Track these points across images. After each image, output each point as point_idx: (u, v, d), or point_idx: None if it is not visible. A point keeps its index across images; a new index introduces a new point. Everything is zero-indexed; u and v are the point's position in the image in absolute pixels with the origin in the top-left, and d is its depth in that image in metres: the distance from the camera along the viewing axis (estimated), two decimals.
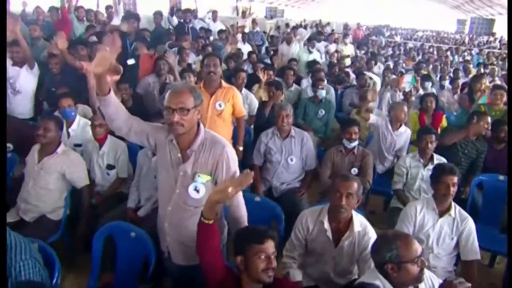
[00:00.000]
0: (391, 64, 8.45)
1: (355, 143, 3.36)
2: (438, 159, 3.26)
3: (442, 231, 2.51)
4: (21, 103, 4.22)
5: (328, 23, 16.09)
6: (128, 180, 3.36)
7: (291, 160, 3.39)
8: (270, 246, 1.74)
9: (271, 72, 5.25)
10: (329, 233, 2.22)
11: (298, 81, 6.01)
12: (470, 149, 3.65)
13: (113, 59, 1.74)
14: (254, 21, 10.80)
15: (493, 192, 3.27)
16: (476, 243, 2.46)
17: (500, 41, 19.19)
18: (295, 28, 10.41)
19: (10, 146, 3.57)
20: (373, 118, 4.10)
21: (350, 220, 2.21)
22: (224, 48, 6.94)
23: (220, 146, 1.86)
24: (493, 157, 3.65)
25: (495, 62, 10.70)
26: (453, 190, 2.49)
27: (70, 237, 3.07)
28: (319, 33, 9.77)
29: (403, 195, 3.26)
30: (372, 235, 2.19)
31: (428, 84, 6.15)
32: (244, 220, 1.98)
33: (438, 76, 7.36)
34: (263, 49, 9.22)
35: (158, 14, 6.11)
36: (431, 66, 8.67)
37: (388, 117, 3.98)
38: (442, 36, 24.80)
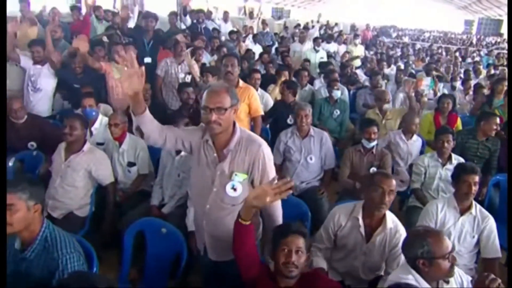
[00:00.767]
0: (402, 65, 8.48)
1: (374, 143, 3.41)
2: (457, 158, 3.30)
3: (463, 229, 2.55)
4: (41, 102, 4.29)
5: (336, 24, 16.10)
6: (150, 177, 3.44)
7: (311, 159, 3.45)
8: (293, 240, 1.76)
9: (286, 73, 5.30)
10: (362, 229, 2.27)
11: (310, 81, 6.07)
12: (482, 150, 3.70)
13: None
14: (264, 22, 10.89)
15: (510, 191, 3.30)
16: (497, 241, 2.50)
17: (508, 42, 19.09)
18: (306, 28, 10.46)
19: (33, 144, 3.66)
20: None
21: (383, 217, 2.25)
22: (235, 49, 7.02)
23: (256, 145, 1.90)
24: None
25: (505, 63, 10.68)
26: (475, 189, 2.53)
27: (95, 233, 3.14)
28: (329, 35, 9.78)
29: (422, 194, 3.30)
30: (402, 232, 2.23)
31: (440, 85, 6.18)
32: (279, 218, 2.03)
33: (449, 77, 7.38)
34: (273, 50, 9.29)
35: (173, 15, 6.19)
36: (443, 67, 8.67)
37: (402, 126, 4.04)
38: (449, 36, 24.74)
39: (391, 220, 2.28)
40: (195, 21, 7.11)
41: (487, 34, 25.23)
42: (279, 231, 1.82)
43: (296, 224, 1.86)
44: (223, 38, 7.67)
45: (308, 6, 34.78)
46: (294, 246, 1.76)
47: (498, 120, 3.68)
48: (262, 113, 3.66)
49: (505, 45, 18.56)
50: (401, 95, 5.52)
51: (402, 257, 2.20)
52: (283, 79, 5.17)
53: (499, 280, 1.62)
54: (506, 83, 5.00)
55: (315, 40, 8.17)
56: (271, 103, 4.65)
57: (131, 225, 2.45)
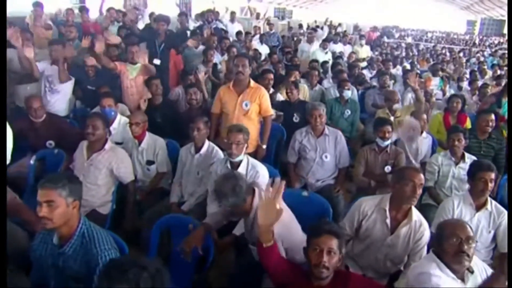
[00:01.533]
0: (408, 65, 8.55)
1: (388, 141, 3.48)
2: (469, 157, 3.36)
3: (479, 225, 2.62)
4: (58, 102, 4.34)
5: (340, 24, 16.17)
6: (168, 175, 3.51)
7: (326, 157, 3.52)
8: (325, 241, 1.77)
9: (297, 73, 5.37)
10: (389, 221, 2.33)
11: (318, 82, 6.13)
12: (486, 149, 3.77)
13: None
14: (269, 23, 10.97)
15: None
16: None
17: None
18: (314, 29, 10.54)
19: (52, 142, 3.72)
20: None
21: (408, 210, 2.32)
22: (242, 49, 7.09)
23: None
24: None
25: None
26: (491, 186, 2.60)
27: (116, 231, 3.20)
28: (336, 34, 9.86)
29: (435, 192, 3.37)
30: (426, 226, 2.32)
31: (447, 86, 6.24)
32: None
33: (456, 77, 7.44)
34: (277, 50, 9.35)
35: (183, 16, 6.27)
36: (449, 68, 8.73)
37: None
38: (452, 37, 24.79)
39: (416, 213, 2.35)
40: (204, 21, 7.18)
41: (489, 34, 25.28)
42: (313, 230, 1.84)
43: (329, 224, 1.89)
44: (230, 39, 7.74)
45: (310, 6, 34.85)
46: (326, 246, 1.77)
47: (493, 116, 3.75)
48: (272, 113, 3.74)
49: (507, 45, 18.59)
50: (409, 95, 5.58)
51: (425, 251, 2.29)
52: (293, 79, 5.24)
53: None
54: None
55: (323, 41, 8.24)
56: None
57: (158, 222, 2.52)
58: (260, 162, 3.05)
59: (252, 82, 3.66)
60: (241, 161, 2.82)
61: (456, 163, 3.36)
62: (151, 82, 4.13)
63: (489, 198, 2.67)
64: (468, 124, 4.57)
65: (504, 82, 6.20)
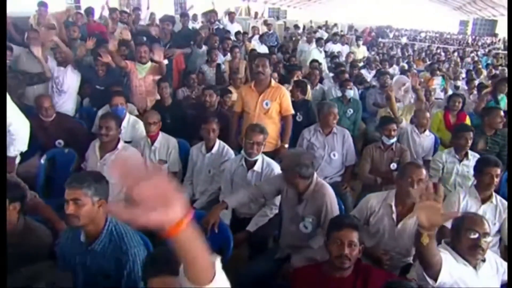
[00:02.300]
0: (405, 65, 8.68)
1: (394, 139, 3.57)
2: (472, 154, 3.46)
3: (485, 217, 2.71)
4: (66, 102, 4.40)
5: (335, 24, 16.31)
6: (178, 175, 3.56)
7: (334, 155, 3.61)
8: (346, 234, 1.84)
9: (299, 72, 5.45)
10: (395, 215, 2.43)
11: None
12: (492, 145, 3.88)
13: None
14: (266, 23, 11.06)
15: None
16: None
17: (504, 42, 19.43)
18: (315, 31, 10.67)
19: (61, 142, 3.75)
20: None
21: (413, 205, 2.38)
22: (241, 49, 7.15)
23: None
24: None
25: (504, 64, 10.93)
26: (496, 180, 2.70)
27: None
28: (334, 34, 9.98)
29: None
30: None
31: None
32: None
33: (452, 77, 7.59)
34: (276, 50, 9.43)
35: (185, 16, 6.32)
36: (445, 68, 8.88)
37: (414, 121, 4.21)
38: (445, 37, 25.07)
39: None
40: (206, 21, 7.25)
41: (482, 34, 25.60)
42: (333, 224, 1.91)
43: (349, 217, 1.97)
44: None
45: (304, 6, 35.04)
46: (347, 239, 1.84)
47: (502, 112, 3.87)
48: (293, 112, 3.78)
49: (501, 45, 18.88)
50: (409, 95, 5.70)
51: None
52: (296, 78, 5.33)
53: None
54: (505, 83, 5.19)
55: (317, 40, 8.35)
56: None
57: None
58: None
59: (273, 82, 3.73)
60: (256, 160, 2.89)
61: (460, 161, 3.45)
62: (159, 84, 4.19)
63: (494, 193, 2.77)
64: (467, 122, 4.68)
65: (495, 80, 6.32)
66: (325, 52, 8.55)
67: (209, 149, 3.29)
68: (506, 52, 15.27)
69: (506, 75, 8.38)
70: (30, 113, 3.92)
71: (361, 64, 8.79)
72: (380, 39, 16.55)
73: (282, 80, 5.61)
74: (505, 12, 25.43)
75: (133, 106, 4.23)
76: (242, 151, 2.99)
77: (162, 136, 3.48)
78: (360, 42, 10.02)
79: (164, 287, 1.30)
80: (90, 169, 3.18)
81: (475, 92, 6.27)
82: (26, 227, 2.15)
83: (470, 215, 1.99)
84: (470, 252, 1.92)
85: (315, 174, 2.56)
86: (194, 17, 8.54)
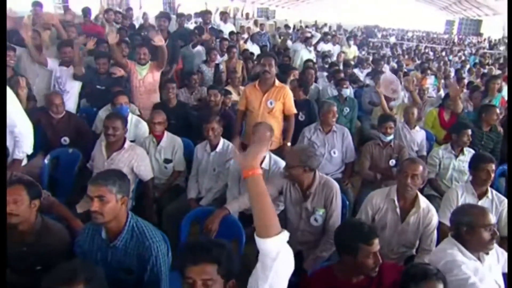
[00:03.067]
0: (395, 65, 8.85)
1: (391, 137, 3.68)
2: (468, 150, 3.60)
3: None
4: (67, 102, 4.34)
5: (325, 24, 16.47)
6: (183, 173, 3.62)
7: (334, 153, 3.71)
8: (376, 243, 1.87)
9: (296, 72, 5.54)
10: (398, 210, 2.54)
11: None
12: (486, 140, 4.03)
13: None
14: (256, 23, 11.14)
15: None
16: None
17: (489, 42, 19.87)
18: (310, 32, 10.76)
19: (66, 139, 3.77)
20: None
21: (415, 199, 2.54)
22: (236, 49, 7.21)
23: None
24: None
25: (490, 63, 11.21)
26: (492, 176, 2.83)
27: None
28: (325, 34, 10.10)
29: (437, 183, 3.59)
30: (434, 213, 2.54)
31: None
32: None
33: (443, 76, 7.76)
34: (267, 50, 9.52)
35: (182, 17, 6.36)
36: (435, 67, 9.07)
37: (404, 118, 4.35)
38: (432, 36, 25.48)
39: (424, 201, 2.57)
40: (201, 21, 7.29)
41: (467, 34, 26.07)
42: (362, 237, 1.88)
43: (374, 227, 2.02)
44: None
45: (292, 6, 35.20)
46: (378, 248, 1.89)
47: (498, 110, 4.04)
48: (296, 111, 3.87)
49: (486, 44, 19.29)
50: (402, 93, 5.84)
51: (435, 234, 2.50)
52: (292, 77, 5.40)
53: None
54: (499, 81, 5.36)
55: (306, 40, 8.46)
56: None
57: (188, 215, 2.65)
58: None
59: (277, 82, 3.80)
60: (264, 157, 2.96)
61: (456, 156, 3.59)
62: (166, 85, 4.24)
63: (489, 188, 2.90)
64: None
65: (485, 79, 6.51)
66: (317, 52, 8.65)
67: (213, 147, 3.35)
68: (492, 51, 15.68)
69: (493, 72, 8.65)
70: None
71: (352, 63, 8.97)
72: (369, 39, 16.80)
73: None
74: (489, 12, 26.04)
75: (134, 106, 4.27)
76: None
77: (167, 136, 3.54)
78: (351, 42, 10.15)
79: (203, 275, 1.35)
80: (96, 169, 3.24)
81: (465, 90, 6.45)
82: (43, 226, 2.18)
83: (482, 211, 2.06)
84: (483, 247, 2.03)
85: (317, 171, 2.66)
86: (189, 17, 8.56)
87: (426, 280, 1.70)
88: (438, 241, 2.50)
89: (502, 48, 16.98)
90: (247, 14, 11.81)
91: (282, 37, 10.88)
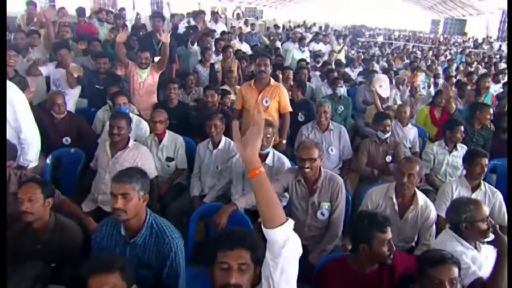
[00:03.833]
0: (385, 64, 9.02)
1: (388, 134, 3.80)
2: (461, 146, 3.74)
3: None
4: (67, 103, 4.39)
5: (314, 24, 16.63)
6: (185, 171, 3.68)
7: (331, 150, 3.82)
8: (389, 231, 1.95)
9: (291, 72, 5.62)
10: (396, 207, 2.64)
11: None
12: (478, 137, 4.19)
13: None
14: (247, 22, 11.23)
15: (505, 175, 3.74)
16: (505, 211, 2.92)
17: (474, 41, 20.30)
18: (301, 33, 10.89)
19: (68, 139, 3.77)
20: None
21: (413, 196, 2.64)
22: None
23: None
24: (498, 145, 4.18)
25: (476, 61, 11.48)
26: (485, 170, 2.98)
27: None
28: (317, 34, 10.24)
29: (431, 178, 3.72)
30: (432, 208, 2.64)
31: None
32: None
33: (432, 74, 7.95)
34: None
35: (176, 16, 6.40)
36: (424, 65, 9.27)
37: (396, 116, 4.48)
38: (418, 36, 25.89)
39: (422, 198, 2.67)
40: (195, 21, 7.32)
41: (452, 33, 26.59)
42: (376, 226, 1.96)
43: (387, 216, 2.11)
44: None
45: (279, 6, 35.34)
46: (391, 236, 1.97)
47: (491, 110, 4.19)
48: (291, 109, 3.96)
49: (470, 43, 19.70)
50: (393, 91, 6.00)
51: (434, 228, 2.61)
52: (285, 77, 5.48)
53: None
54: (489, 79, 5.53)
55: (300, 40, 8.58)
56: None
57: (195, 212, 2.71)
58: None
59: (272, 81, 3.89)
60: (268, 153, 3.05)
61: (450, 152, 3.73)
62: (168, 85, 4.29)
63: (482, 181, 3.04)
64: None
65: (475, 78, 6.70)
66: (309, 51, 8.77)
67: (215, 145, 3.42)
68: (476, 50, 16.05)
69: (479, 71, 8.89)
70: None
71: (344, 62, 9.12)
72: (358, 38, 17.04)
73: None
74: (474, 12, 26.59)
75: (133, 106, 4.30)
76: None
77: (169, 135, 3.59)
78: (341, 41, 10.31)
79: (239, 259, 1.41)
80: (101, 168, 3.27)
81: (453, 88, 6.63)
82: (57, 224, 2.23)
83: (476, 206, 2.17)
84: (481, 237, 2.14)
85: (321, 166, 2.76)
86: (181, 17, 8.58)
87: (443, 263, 1.77)
88: (437, 233, 2.62)
89: (486, 47, 17.39)
90: (238, 15, 11.86)
91: (272, 37, 10.98)
